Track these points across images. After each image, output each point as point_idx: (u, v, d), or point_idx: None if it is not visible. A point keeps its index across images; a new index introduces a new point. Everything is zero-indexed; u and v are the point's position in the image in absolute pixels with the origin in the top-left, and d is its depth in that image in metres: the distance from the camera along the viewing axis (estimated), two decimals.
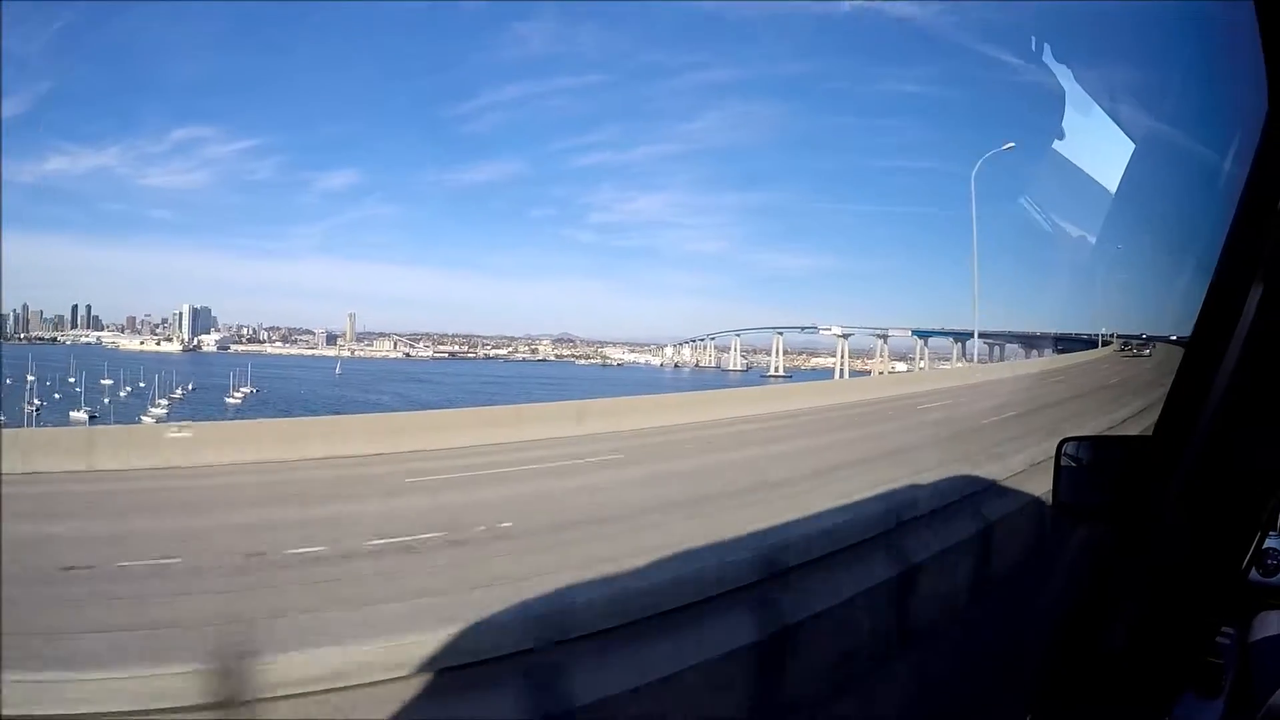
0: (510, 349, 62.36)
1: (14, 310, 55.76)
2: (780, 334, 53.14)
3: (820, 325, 45.91)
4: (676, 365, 62.04)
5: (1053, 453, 1.94)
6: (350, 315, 60.83)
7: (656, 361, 63.35)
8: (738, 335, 59.47)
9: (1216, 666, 1.73)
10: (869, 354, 43.06)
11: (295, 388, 44.24)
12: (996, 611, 5.17)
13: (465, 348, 62.96)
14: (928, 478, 7.71)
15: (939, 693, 4.18)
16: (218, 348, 56.05)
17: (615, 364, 61.26)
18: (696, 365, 60.62)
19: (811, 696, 3.91)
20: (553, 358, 62.00)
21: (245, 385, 44.97)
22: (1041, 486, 6.28)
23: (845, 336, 42.97)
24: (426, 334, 62.11)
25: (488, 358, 60.87)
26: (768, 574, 3.90)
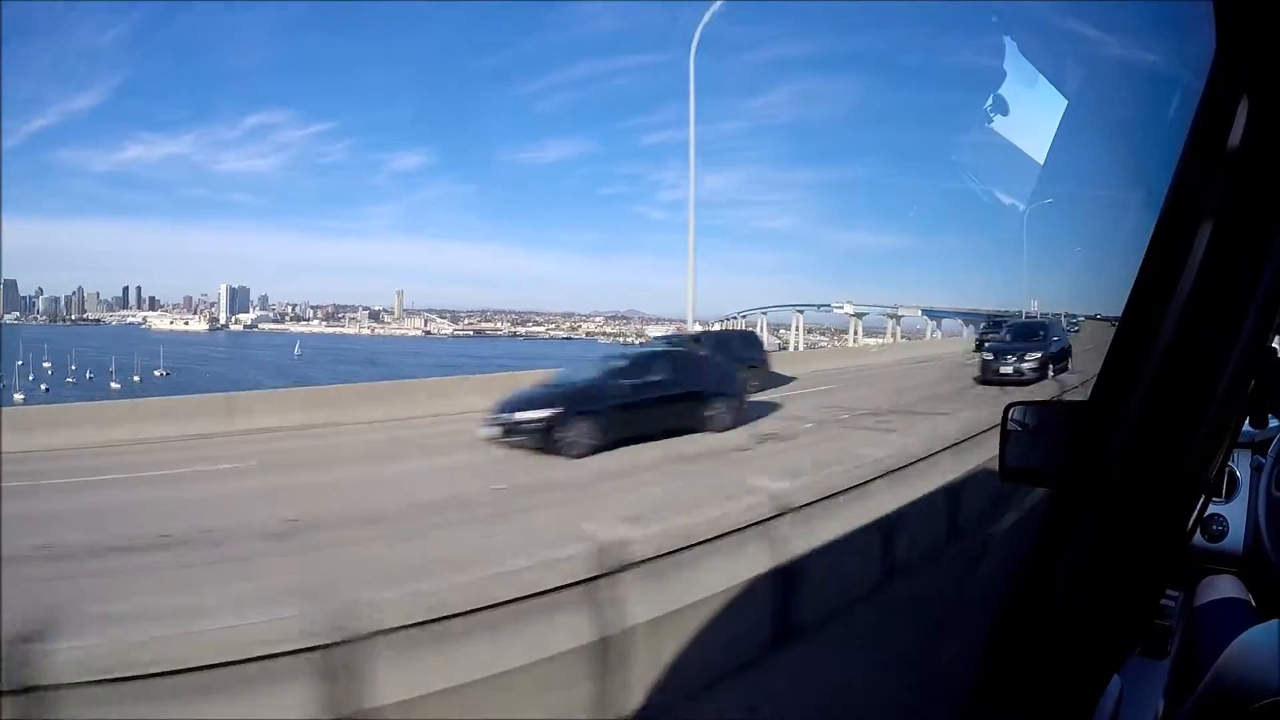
0: (554, 326, 63.14)
1: (64, 295, 58.30)
2: (800, 312, 52.56)
3: (834, 303, 45.59)
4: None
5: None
6: (398, 292, 61.97)
7: None
8: (764, 313, 59.00)
9: (1163, 629, 1.69)
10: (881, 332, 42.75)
11: (225, 368, 43.45)
12: (941, 578, 5.07)
13: (494, 326, 63.83)
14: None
15: (877, 662, 4.15)
16: (244, 327, 57.81)
17: (638, 342, 61.28)
18: None
19: (727, 670, 3.89)
20: (584, 336, 62.33)
21: (159, 367, 44.64)
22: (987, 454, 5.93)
23: (859, 315, 42.88)
24: (482, 311, 63.15)
25: (514, 335, 61.64)
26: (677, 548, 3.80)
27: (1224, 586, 1.92)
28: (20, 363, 42.52)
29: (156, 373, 43.32)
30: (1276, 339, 1.43)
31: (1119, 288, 1.46)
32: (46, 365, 42.87)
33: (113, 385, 40.24)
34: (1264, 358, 1.38)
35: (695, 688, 3.86)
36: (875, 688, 3.77)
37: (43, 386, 38.22)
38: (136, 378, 42.32)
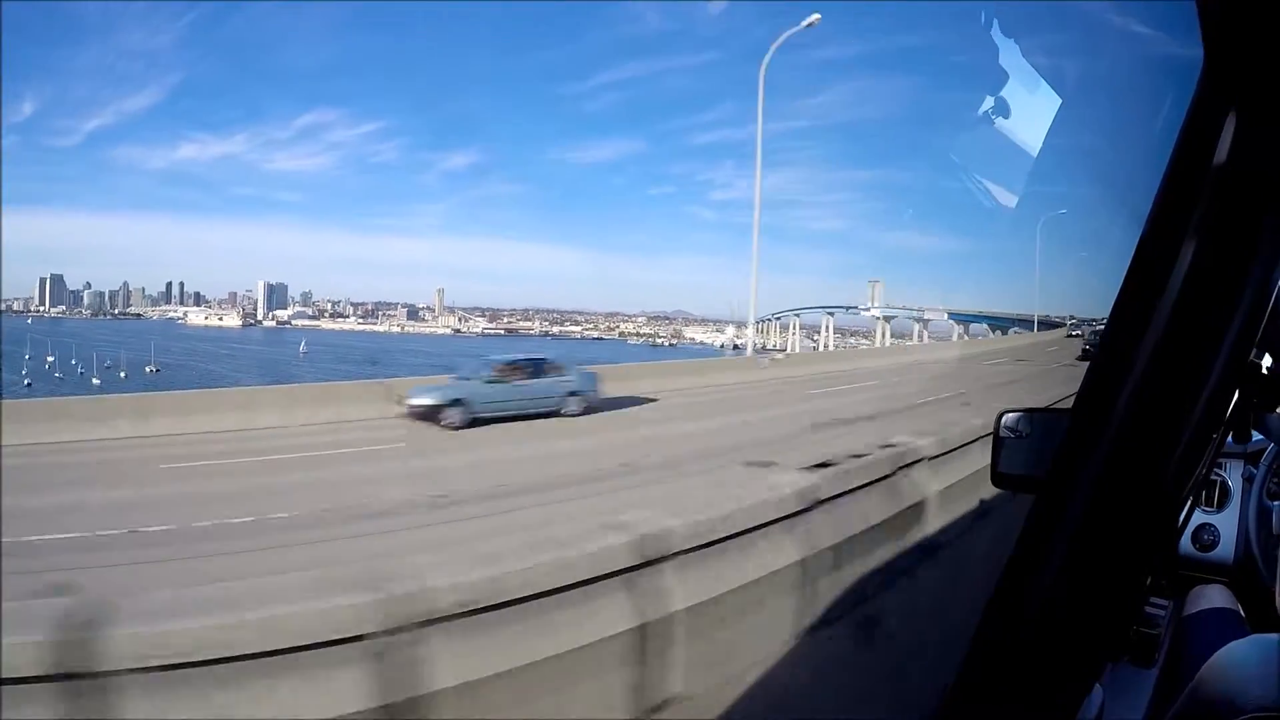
0: (591, 326, 63.69)
1: (109, 290, 60.52)
2: (831, 314, 52.14)
3: (861, 306, 45.28)
4: (736, 346, 61.38)
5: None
6: (438, 290, 63.30)
7: (718, 341, 63.00)
8: (796, 315, 58.41)
9: (1151, 638, 1.69)
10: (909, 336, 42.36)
11: (220, 365, 42.64)
12: (928, 583, 5.02)
13: (529, 325, 64.43)
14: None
15: (856, 668, 4.12)
16: (278, 323, 59.13)
17: (668, 344, 61.43)
18: (763, 346, 59.80)
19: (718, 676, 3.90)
20: (617, 335, 62.61)
21: (151, 363, 43.53)
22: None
23: (888, 319, 42.30)
24: (524, 310, 64.08)
25: (546, 335, 62.03)
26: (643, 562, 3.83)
27: (1214, 596, 1.91)
28: (28, 356, 42.64)
29: (148, 369, 42.37)
30: (1254, 353, 1.43)
31: (1105, 298, 1.47)
32: (50, 360, 42.30)
33: (94, 381, 39.82)
34: (1247, 372, 1.38)
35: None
36: (855, 689, 3.77)
37: (26, 382, 38.36)
38: (123, 374, 41.70)
